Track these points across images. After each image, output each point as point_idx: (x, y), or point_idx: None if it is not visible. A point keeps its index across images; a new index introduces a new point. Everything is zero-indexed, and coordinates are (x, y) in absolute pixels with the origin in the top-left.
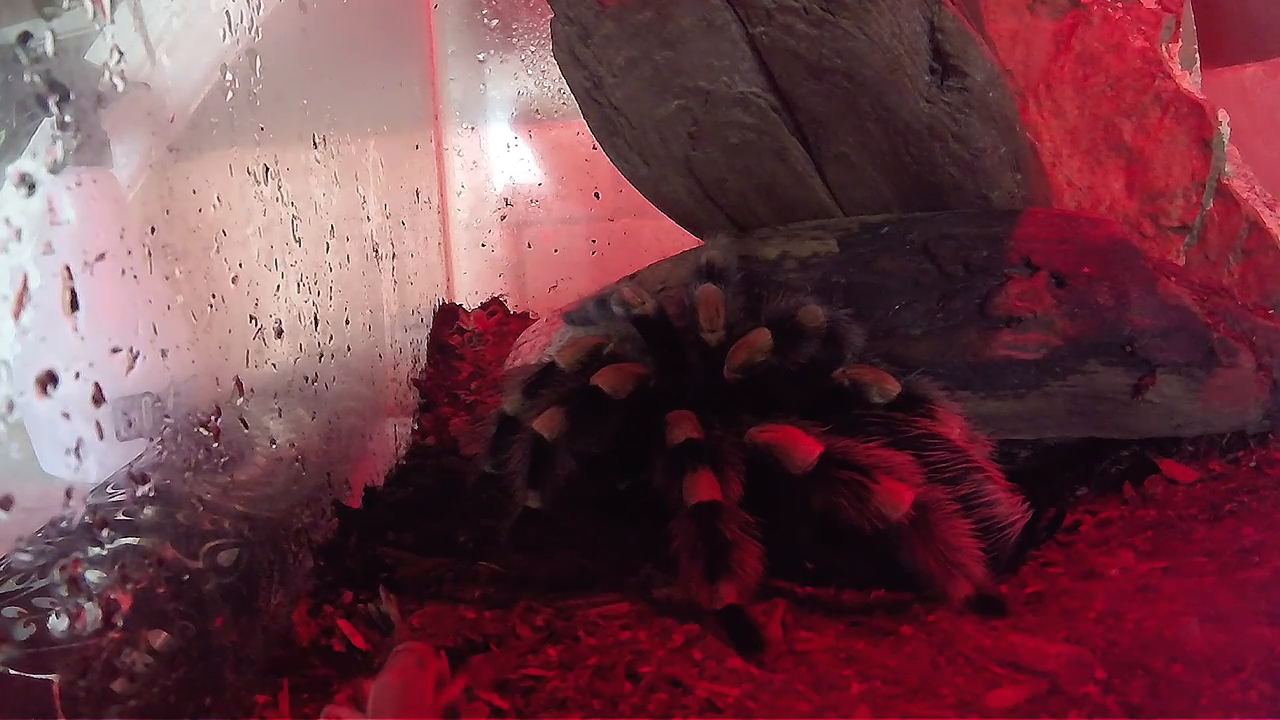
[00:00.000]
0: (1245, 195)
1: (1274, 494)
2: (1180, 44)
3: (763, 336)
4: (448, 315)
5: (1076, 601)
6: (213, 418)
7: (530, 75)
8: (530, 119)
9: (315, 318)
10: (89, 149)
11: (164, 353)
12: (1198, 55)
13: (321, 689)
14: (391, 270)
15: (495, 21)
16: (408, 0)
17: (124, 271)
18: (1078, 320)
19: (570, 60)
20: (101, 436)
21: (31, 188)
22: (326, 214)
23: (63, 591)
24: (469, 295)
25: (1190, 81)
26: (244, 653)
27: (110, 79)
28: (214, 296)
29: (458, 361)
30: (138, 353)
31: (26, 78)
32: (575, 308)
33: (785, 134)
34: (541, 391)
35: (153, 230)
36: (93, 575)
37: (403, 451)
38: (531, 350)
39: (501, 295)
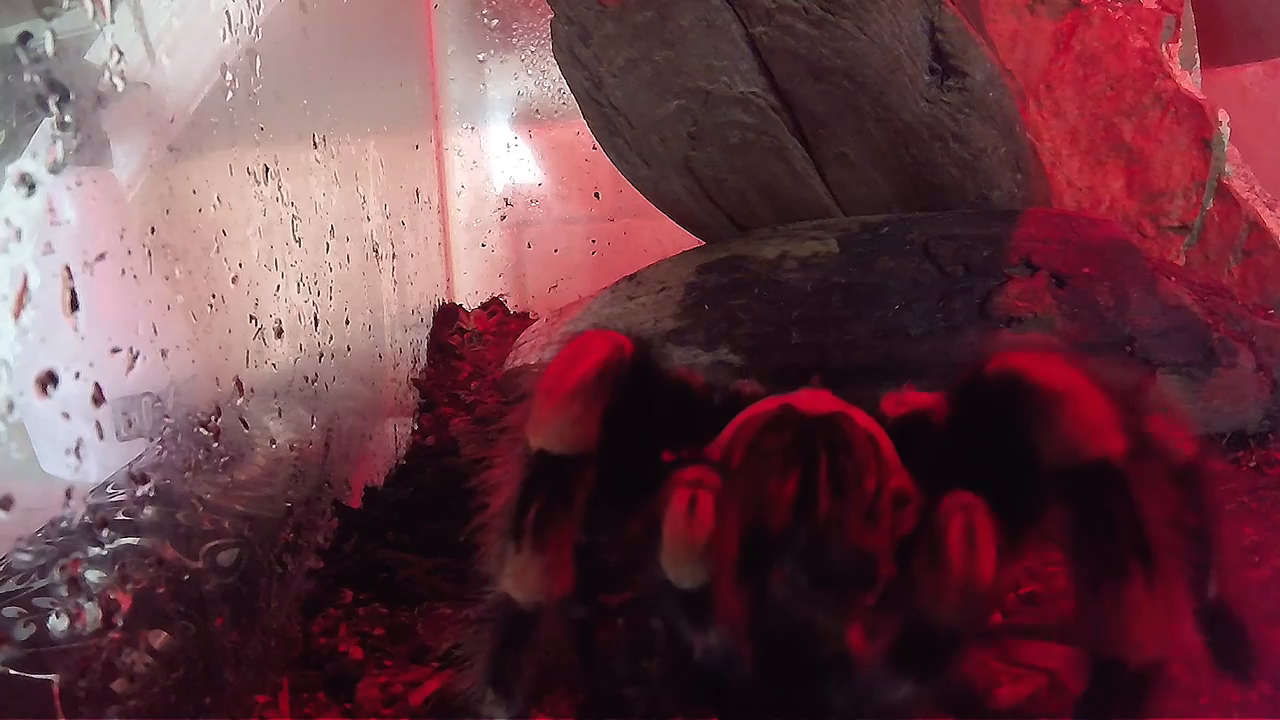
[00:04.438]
0: (1245, 195)
1: (1274, 494)
2: (1180, 44)
3: None
4: (448, 315)
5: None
6: (213, 418)
7: (530, 75)
8: (530, 119)
9: (315, 318)
10: (89, 149)
11: (164, 353)
12: (1198, 55)
13: (321, 689)
14: (391, 270)
15: (495, 21)
16: (408, 0)
17: (124, 271)
18: (1078, 320)
19: (570, 60)
20: (101, 436)
21: (31, 188)
22: (326, 214)
23: (63, 591)
24: (469, 295)
25: (1190, 81)
26: (244, 653)
27: (110, 79)
28: (214, 296)
29: (458, 361)
30: (138, 353)
31: (26, 78)
32: None
33: (785, 134)
34: None
35: (153, 230)
36: (93, 575)
37: (403, 451)
38: (531, 350)
39: (501, 295)
